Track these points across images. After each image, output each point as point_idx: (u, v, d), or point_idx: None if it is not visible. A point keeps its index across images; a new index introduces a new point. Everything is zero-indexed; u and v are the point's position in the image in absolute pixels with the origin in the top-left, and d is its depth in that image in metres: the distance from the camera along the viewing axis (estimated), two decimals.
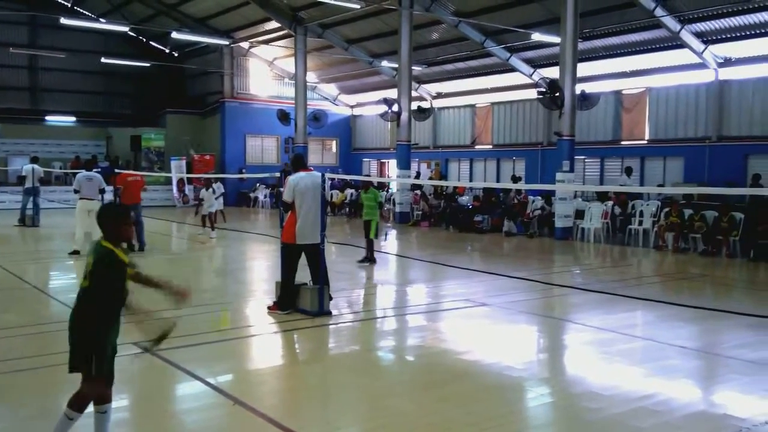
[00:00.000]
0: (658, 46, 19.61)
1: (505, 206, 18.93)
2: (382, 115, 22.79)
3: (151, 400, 5.21)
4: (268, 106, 28.92)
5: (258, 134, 30.00)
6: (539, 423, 4.88)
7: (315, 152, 31.19)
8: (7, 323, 7.43)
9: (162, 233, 17.70)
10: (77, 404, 3.71)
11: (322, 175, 7.94)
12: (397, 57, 22.07)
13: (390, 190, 24.17)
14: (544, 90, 17.32)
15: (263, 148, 30.38)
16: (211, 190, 16.15)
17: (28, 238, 16.41)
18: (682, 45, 18.67)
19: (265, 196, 27.50)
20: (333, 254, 12.96)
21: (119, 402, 4.56)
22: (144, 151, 29.23)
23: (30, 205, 18.27)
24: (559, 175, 17.04)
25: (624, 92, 21.49)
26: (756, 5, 16.48)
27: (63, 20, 21.62)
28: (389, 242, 16.17)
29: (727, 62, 18.80)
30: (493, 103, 25.93)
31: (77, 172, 14.18)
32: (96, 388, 3.73)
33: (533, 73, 23.14)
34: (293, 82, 27.48)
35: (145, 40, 31.67)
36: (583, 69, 19.06)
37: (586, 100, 17.67)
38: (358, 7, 18.93)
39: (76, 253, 12.31)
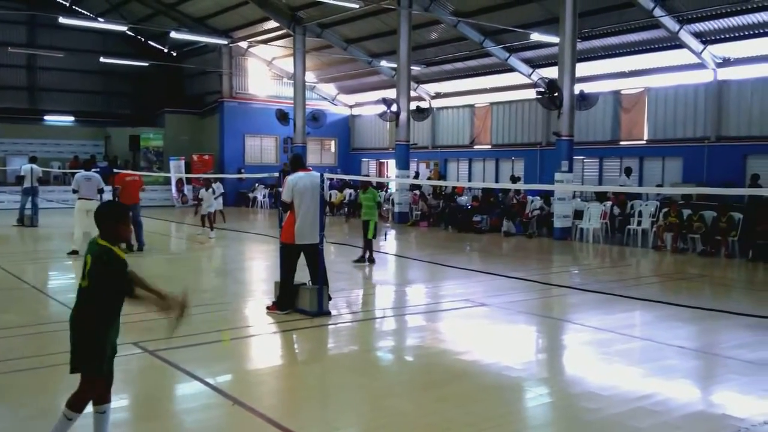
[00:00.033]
0: (656, 46, 19.62)
1: (504, 206, 18.93)
2: (381, 115, 22.76)
3: (150, 400, 5.21)
4: (267, 106, 28.90)
5: (257, 134, 29.98)
6: (538, 423, 4.89)
7: (314, 152, 31.17)
8: (6, 323, 7.42)
9: (161, 233, 17.68)
10: (76, 404, 3.68)
11: (321, 175, 7.95)
12: (396, 57, 22.05)
13: (389, 190, 24.15)
14: (543, 90, 17.31)
15: (262, 148, 30.35)
16: (210, 190, 16.18)
17: (26, 238, 16.39)
18: (680, 45, 18.68)
19: (264, 196, 27.48)
20: (332, 254, 12.97)
21: (119, 402, 4.55)
22: (143, 150, 29.23)
23: (29, 205, 18.26)
24: (557, 175, 17.06)
25: (623, 92, 21.49)
26: (755, 5, 16.49)
27: (61, 19, 21.62)
28: (388, 242, 16.17)
29: (726, 62, 18.81)
30: (491, 103, 25.92)
31: (76, 172, 14.14)
32: (95, 388, 3.70)
33: (532, 73, 23.13)
34: (292, 81, 27.45)
35: (143, 39, 31.65)
36: (582, 69, 19.09)
37: (584, 100, 17.68)
38: (357, 6, 18.93)
39: (74, 253, 12.30)
